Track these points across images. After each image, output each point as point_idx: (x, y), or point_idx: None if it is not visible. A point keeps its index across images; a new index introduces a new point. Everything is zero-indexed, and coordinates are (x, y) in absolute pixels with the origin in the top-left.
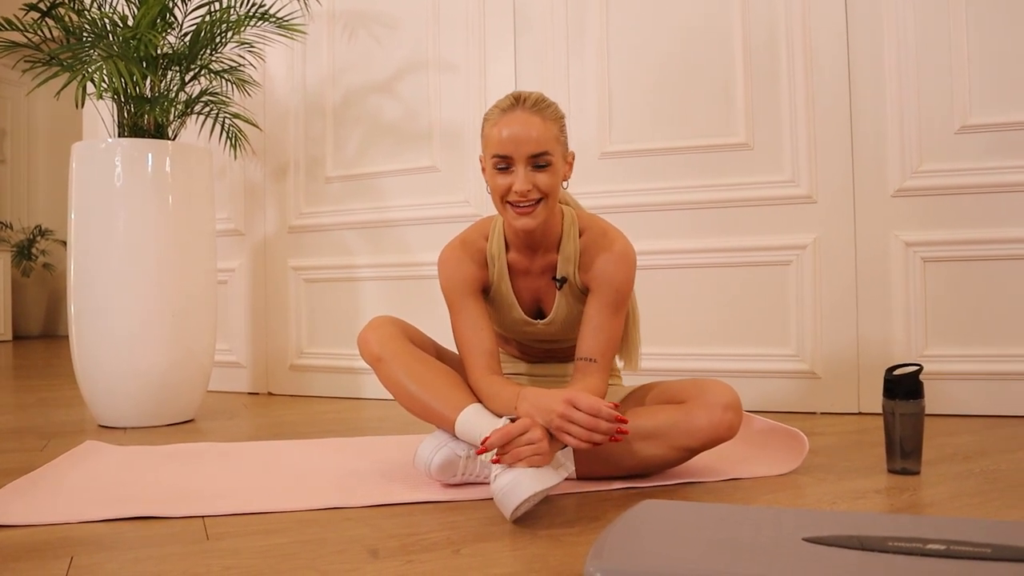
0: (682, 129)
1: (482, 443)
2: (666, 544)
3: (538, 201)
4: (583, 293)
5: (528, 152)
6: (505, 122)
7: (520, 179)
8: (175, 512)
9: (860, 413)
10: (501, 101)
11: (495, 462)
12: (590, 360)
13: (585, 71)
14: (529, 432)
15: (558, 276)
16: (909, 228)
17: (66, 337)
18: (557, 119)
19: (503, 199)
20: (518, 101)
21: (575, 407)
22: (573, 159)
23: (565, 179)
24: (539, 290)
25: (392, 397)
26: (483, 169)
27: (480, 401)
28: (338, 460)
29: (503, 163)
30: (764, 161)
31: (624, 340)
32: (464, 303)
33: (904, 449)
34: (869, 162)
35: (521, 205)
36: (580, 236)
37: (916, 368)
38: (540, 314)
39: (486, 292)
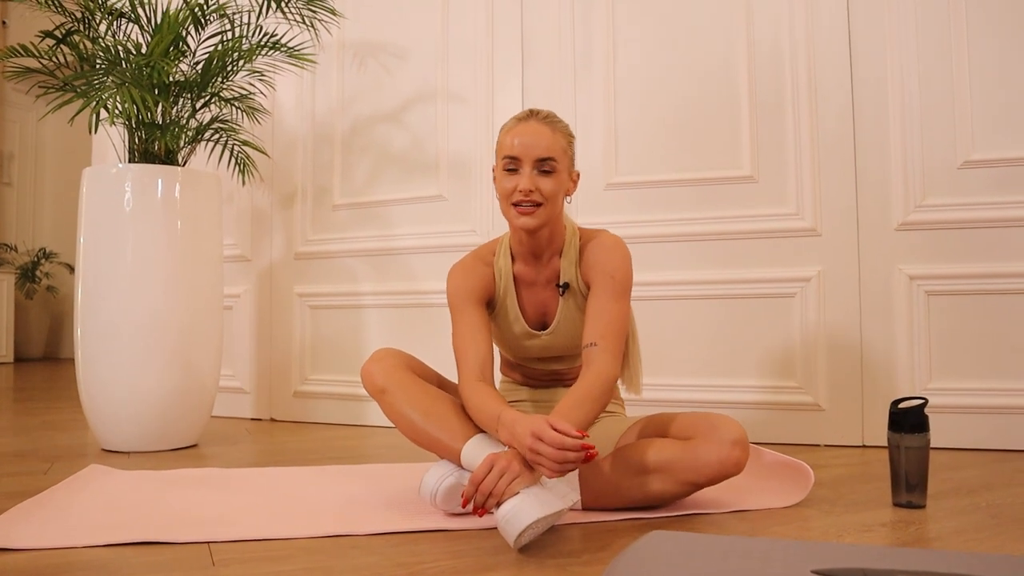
0: (687, 161)
1: (462, 504)
2: (674, 575)
3: (539, 204)
4: (586, 299)
5: (535, 155)
6: (518, 130)
7: (525, 179)
8: (180, 537)
9: (864, 446)
10: (518, 113)
11: (481, 514)
12: (591, 345)
13: (592, 104)
14: (496, 466)
15: (561, 282)
16: (913, 261)
17: (68, 360)
18: (566, 134)
19: (508, 200)
20: (532, 113)
21: (541, 440)
22: (578, 177)
23: (568, 194)
24: (543, 303)
25: (397, 428)
26: (495, 179)
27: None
28: (343, 488)
29: (512, 164)
30: (769, 194)
31: (624, 363)
32: (465, 309)
33: (909, 482)
34: (873, 196)
35: (523, 205)
36: (581, 244)
37: (921, 401)
38: (544, 327)
39: (491, 307)
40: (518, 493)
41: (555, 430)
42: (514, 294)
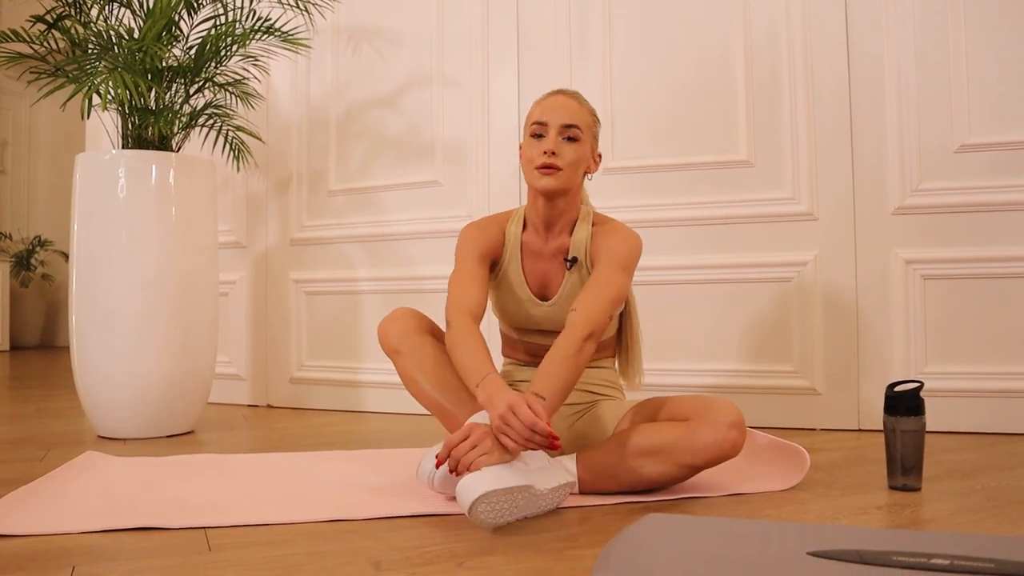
0: (684, 146)
1: (436, 464)
2: (671, 558)
3: (560, 169)
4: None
5: (561, 121)
6: (547, 101)
7: (549, 141)
8: (176, 523)
9: (860, 430)
10: (548, 91)
11: (453, 472)
12: (572, 310)
13: (588, 89)
14: (471, 436)
15: (569, 256)
16: (909, 246)
17: (64, 348)
18: (592, 112)
19: (532, 164)
20: (561, 90)
21: (514, 415)
22: (599, 159)
23: (589, 172)
24: (547, 274)
25: (407, 390)
26: (521, 156)
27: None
28: (340, 472)
29: (539, 130)
30: (765, 178)
31: (625, 357)
32: (469, 259)
33: (905, 466)
34: (869, 180)
35: (546, 167)
36: (593, 226)
37: (917, 385)
38: (544, 300)
39: (495, 271)
40: (481, 469)
41: (531, 409)
42: (519, 261)
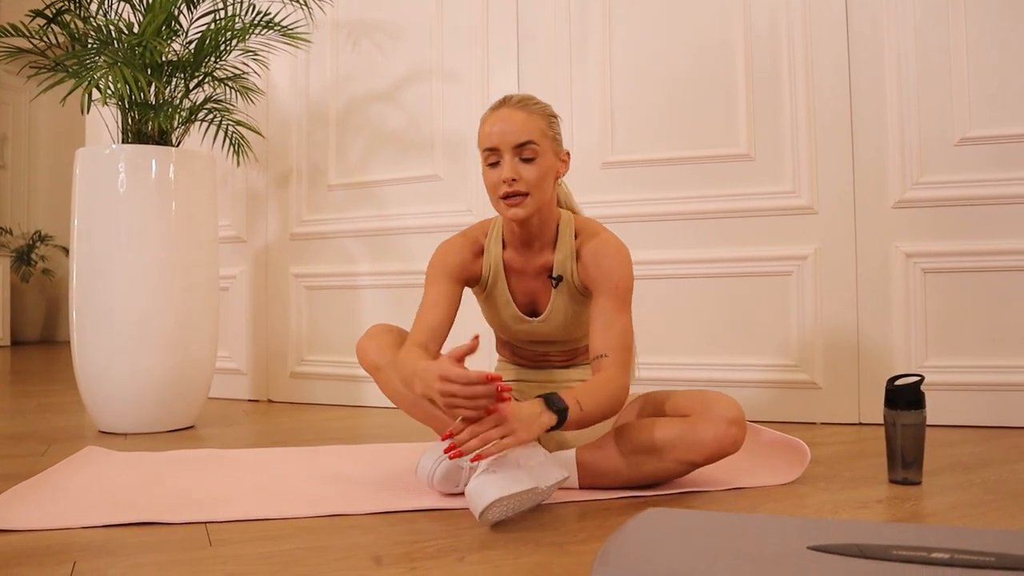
0: (684, 140)
1: (443, 438)
2: (671, 552)
3: (526, 194)
4: (581, 294)
5: (512, 142)
6: (493, 119)
7: (507, 168)
8: (177, 518)
9: (860, 423)
10: (493, 103)
11: (454, 455)
12: (602, 356)
13: (588, 82)
14: (494, 417)
15: (554, 275)
16: (909, 239)
17: (65, 343)
18: (544, 115)
19: (495, 193)
20: (505, 100)
21: (448, 380)
22: (568, 157)
23: (559, 176)
24: (534, 292)
25: (394, 405)
26: (484, 180)
27: None
28: (340, 467)
29: (492, 157)
30: (766, 172)
31: None
32: (436, 282)
33: (905, 459)
34: (870, 173)
35: (511, 196)
36: (576, 238)
37: (917, 378)
38: (534, 314)
39: (481, 289)
40: (488, 470)
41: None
42: (504, 280)
